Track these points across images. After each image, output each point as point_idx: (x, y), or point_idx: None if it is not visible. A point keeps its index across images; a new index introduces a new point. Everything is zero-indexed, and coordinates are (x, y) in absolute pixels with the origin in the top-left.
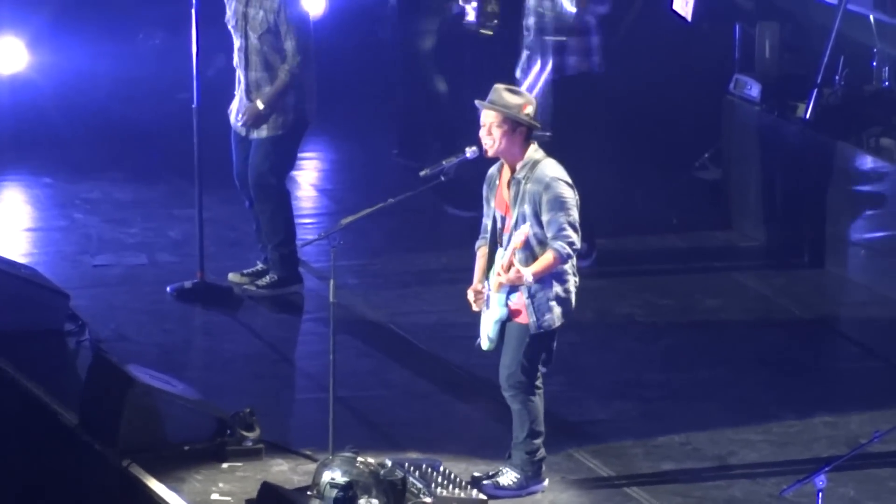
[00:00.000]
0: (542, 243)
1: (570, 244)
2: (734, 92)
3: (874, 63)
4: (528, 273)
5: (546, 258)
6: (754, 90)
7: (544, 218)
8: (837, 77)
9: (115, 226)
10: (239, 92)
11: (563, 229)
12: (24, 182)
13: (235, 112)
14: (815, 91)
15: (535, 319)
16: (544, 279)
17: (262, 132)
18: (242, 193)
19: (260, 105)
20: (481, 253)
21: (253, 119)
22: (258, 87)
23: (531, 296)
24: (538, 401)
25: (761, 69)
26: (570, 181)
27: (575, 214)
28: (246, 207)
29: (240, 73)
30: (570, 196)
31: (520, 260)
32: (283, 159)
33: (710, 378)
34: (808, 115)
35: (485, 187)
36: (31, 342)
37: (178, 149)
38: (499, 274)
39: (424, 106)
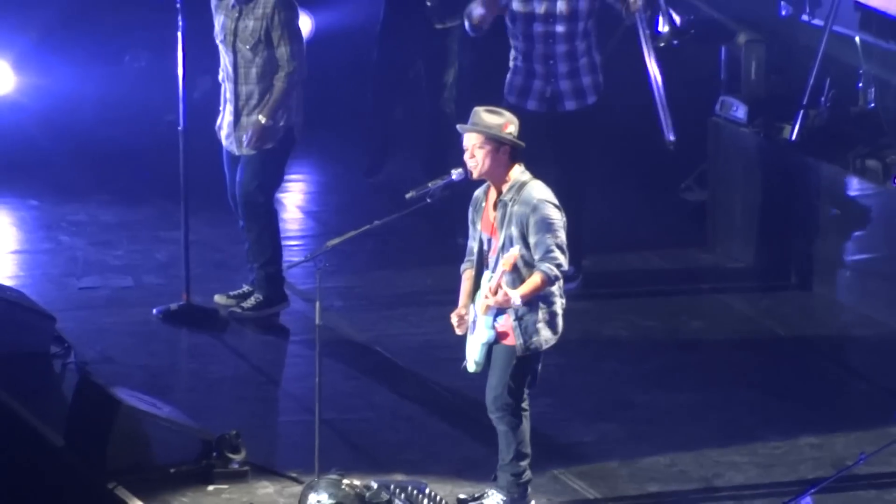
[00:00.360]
0: (529, 265)
1: (558, 266)
2: (720, 113)
3: (860, 84)
4: (515, 296)
5: (534, 280)
6: (740, 111)
7: (531, 240)
8: (823, 98)
9: (101, 248)
10: (227, 108)
11: (551, 251)
12: (9, 204)
13: (226, 130)
14: (801, 112)
15: (522, 342)
16: (531, 301)
17: (249, 147)
18: (237, 213)
19: (262, 119)
20: (467, 276)
21: (258, 136)
22: (248, 100)
23: (518, 318)
24: (525, 423)
25: (747, 91)
26: (556, 203)
27: (562, 236)
28: (240, 227)
29: (228, 88)
30: (558, 218)
31: (507, 282)
32: (271, 176)
33: (695, 400)
34: (794, 137)
35: (470, 210)
36: (16, 364)
37: (165, 171)
38: (486, 297)
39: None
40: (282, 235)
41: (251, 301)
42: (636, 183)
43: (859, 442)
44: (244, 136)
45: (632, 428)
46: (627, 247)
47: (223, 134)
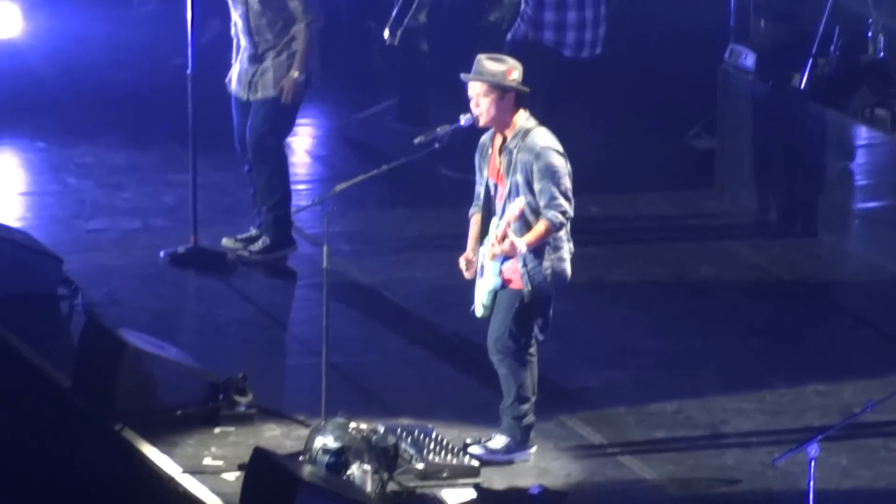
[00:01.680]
0: (536, 212)
1: (563, 213)
2: (729, 62)
3: (869, 33)
4: (521, 244)
5: (539, 228)
6: (749, 60)
7: (536, 187)
8: (832, 47)
9: (109, 190)
10: (239, 59)
11: (555, 198)
12: (18, 146)
13: (235, 79)
14: (810, 61)
15: (529, 288)
16: (538, 248)
17: (272, 89)
18: (243, 158)
19: (295, 74)
20: (474, 220)
21: (294, 89)
22: (264, 50)
23: (525, 264)
24: (526, 367)
25: (756, 39)
26: (561, 150)
27: (566, 183)
28: (245, 171)
29: (243, 41)
30: (562, 165)
31: (514, 230)
32: (283, 121)
33: (702, 346)
34: (802, 85)
35: (477, 156)
36: (24, 306)
37: (173, 114)
38: (493, 245)
39: (421, 70)
40: (290, 180)
41: (259, 244)
42: (645, 130)
43: (867, 389)
44: (264, 82)
45: (639, 374)
46: (636, 193)
47: (233, 81)
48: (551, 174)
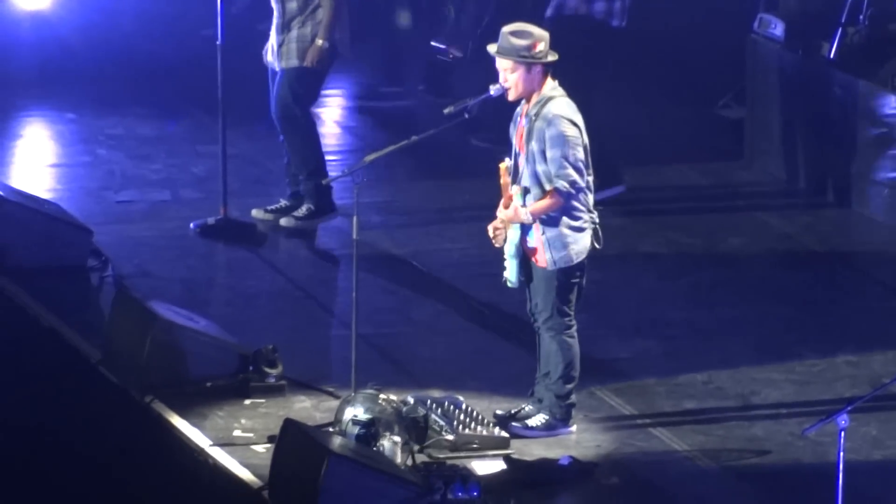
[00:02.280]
0: (550, 180)
1: (572, 182)
2: (758, 31)
3: None
4: (524, 212)
5: (545, 198)
6: (778, 29)
7: (547, 155)
8: (861, 16)
9: (139, 161)
10: (273, 27)
11: (563, 167)
12: (48, 118)
13: (271, 49)
14: (840, 30)
15: (550, 256)
16: (555, 217)
17: (293, 61)
18: (278, 128)
19: (320, 41)
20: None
21: (318, 56)
22: (293, 16)
23: (543, 232)
24: (574, 343)
25: (785, 8)
26: (574, 119)
27: (577, 153)
28: (280, 142)
29: (275, 7)
30: (572, 134)
31: (534, 196)
32: (307, 90)
33: (732, 317)
34: (831, 55)
35: (511, 125)
36: (54, 278)
37: (203, 85)
38: (500, 210)
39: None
40: (322, 147)
41: (303, 210)
42: (675, 100)
43: None
44: (289, 51)
45: (668, 345)
46: (665, 164)
47: (268, 52)
48: (562, 143)
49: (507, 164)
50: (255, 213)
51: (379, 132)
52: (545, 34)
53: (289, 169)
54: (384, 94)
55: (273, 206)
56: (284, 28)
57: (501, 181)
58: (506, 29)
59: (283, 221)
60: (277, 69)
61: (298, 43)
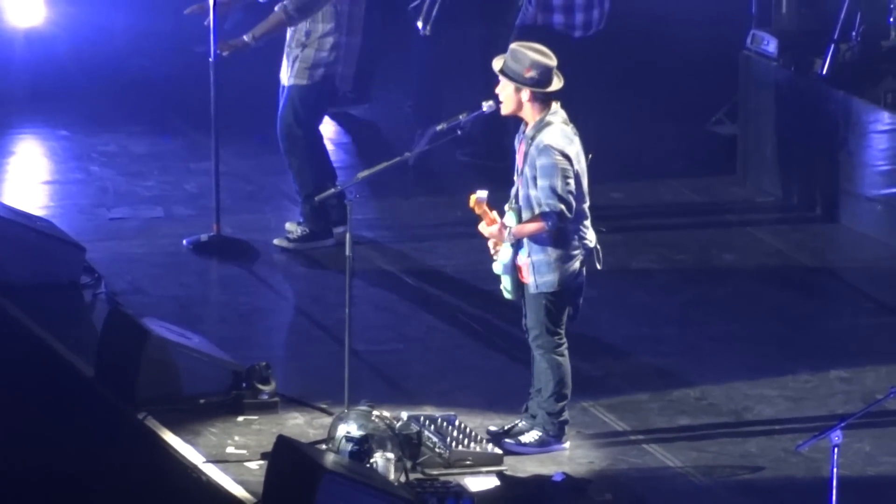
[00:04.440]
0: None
1: (557, 213)
2: (751, 47)
3: (891, 19)
4: (507, 232)
5: (531, 221)
6: (771, 45)
7: (538, 183)
8: (854, 33)
9: (132, 178)
10: (286, 44)
11: (550, 198)
12: (40, 134)
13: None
14: (832, 46)
15: (533, 280)
16: (542, 242)
17: (293, 79)
18: (281, 147)
19: (246, 37)
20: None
21: (229, 48)
22: (297, 40)
23: (529, 254)
24: (565, 362)
25: (778, 24)
26: (565, 150)
27: (563, 184)
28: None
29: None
30: (562, 165)
31: (525, 218)
32: (309, 111)
33: (725, 333)
34: (824, 71)
35: (516, 138)
36: (47, 294)
37: (195, 102)
38: (485, 225)
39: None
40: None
41: (298, 232)
42: (667, 116)
43: (889, 376)
44: (291, 69)
45: (662, 361)
46: (658, 180)
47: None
48: (551, 174)
49: (478, 195)
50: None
51: (371, 149)
52: (545, 62)
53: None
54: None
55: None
56: (291, 46)
57: (477, 211)
58: (514, 45)
59: (277, 241)
60: (285, 84)
61: (302, 63)
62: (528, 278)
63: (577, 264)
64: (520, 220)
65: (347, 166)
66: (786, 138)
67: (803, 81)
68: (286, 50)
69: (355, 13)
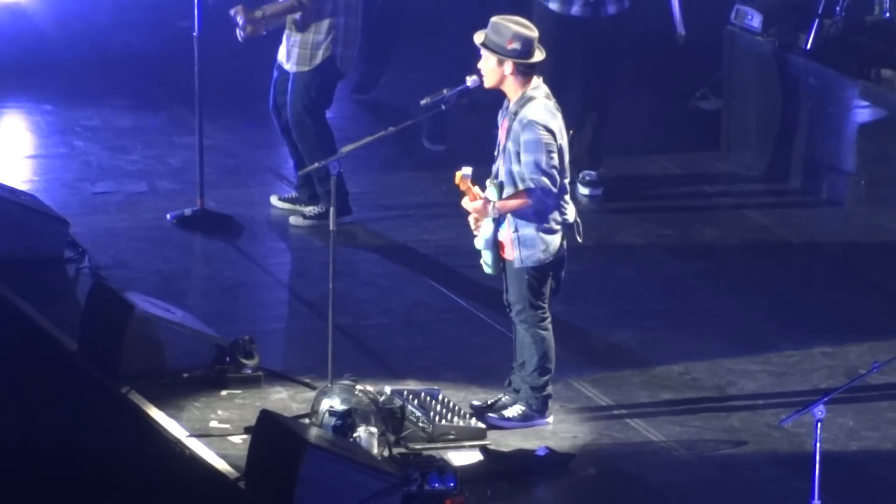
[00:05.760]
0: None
1: (543, 187)
2: (735, 22)
3: None
4: (491, 207)
5: (515, 196)
6: (755, 20)
7: (522, 158)
8: (838, 8)
9: (116, 153)
10: (287, 27)
11: (535, 172)
12: (24, 109)
13: (284, 45)
14: (817, 21)
15: (518, 254)
16: (526, 217)
17: (294, 66)
18: (277, 123)
19: (259, 12)
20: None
21: (247, 22)
22: (300, 24)
23: (515, 229)
24: (549, 336)
25: None
26: (549, 124)
27: (547, 158)
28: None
29: None
30: (546, 140)
31: (507, 193)
32: (315, 98)
33: (709, 308)
34: (808, 46)
35: (499, 114)
36: (30, 269)
37: (179, 76)
38: (468, 201)
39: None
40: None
41: (316, 209)
42: (652, 90)
43: (872, 351)
44: (292, 55)
45: (645, 336)
46: (643, 155)
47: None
48: (535, 149)
49: (463, 172)
50: (273, 200)
51: (356, 123)
52: (526, 34)
53: (298, 166)
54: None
55: (290, 195)
56: (295, 29)
57: (462, 188)
58: (494, 18)
59: (293, 220)
60: (286, 68)
61: (301, 48)
62: (512, 253)
63: (558, 239)
64: (501, 196)
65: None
66: (770, 113)
67: (787, 56)
68: (286, 32)
69: None
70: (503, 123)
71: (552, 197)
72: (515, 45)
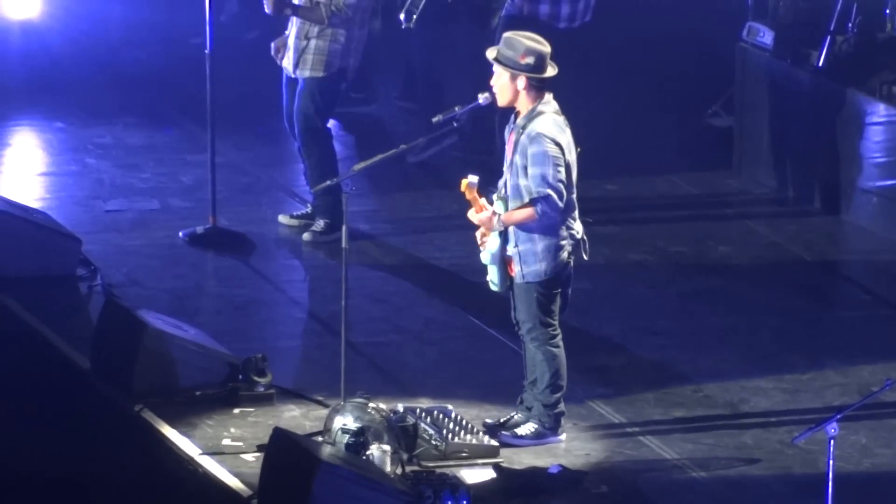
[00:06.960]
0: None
1: (547, 201)
2: (747, 39)
3: (887, 11)
4: (497, 219)
5: (520, 209)
6: (767, 37)
7: (529, 172)
8: (850, 24)
9: (128, 171)
10: (289, 33)
11: (542, 186)
12: (36, 127)
13: (287, 53)
14: (828, 38)
15: (520, 269)
16: (530, 231)
17: (307, 71)
18: (291, 135)
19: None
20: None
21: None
22: (310, 29)
23: (516, 244)
24: (560, 353)
25: (774, 16)
26: (557, 138)
27: (554, 172)
28: (296, 148)
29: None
30: (554, 153)
31: (513, 207)
32: (326, 103)
33: (721, 325)
34: (820, 63)
35: (506, 128)
36: (43, 287)
37: (191, 94)
38: (474, 213)
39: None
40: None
41: (320, 225)
42: (663, 108)
43: (885, 368)
44: (304, 61)
45: (658, 353)
46: (654, 172)
47: (286, 56)
48: (542, 162)
49: (469, 180)
50: (281, 218)
51: (367, 141)
52: (539, 49)
53: (308, 178)
54: (353, 100)
55: (300, 212)
56: (303, 36)
57: (468, 196)
58: (506, 34)
59: (305, 236)
60: (293, 75)
61: (317, 55)
62: (516, 268)
63: (564, 255)
64: (507, 210)
65: (343, 158)
66: (782, 130)
67: (799, 73)
68: (294, 42)
69: (365, 6)
70: (510, 137)
71: (558, 211)
72: (529, 60)
